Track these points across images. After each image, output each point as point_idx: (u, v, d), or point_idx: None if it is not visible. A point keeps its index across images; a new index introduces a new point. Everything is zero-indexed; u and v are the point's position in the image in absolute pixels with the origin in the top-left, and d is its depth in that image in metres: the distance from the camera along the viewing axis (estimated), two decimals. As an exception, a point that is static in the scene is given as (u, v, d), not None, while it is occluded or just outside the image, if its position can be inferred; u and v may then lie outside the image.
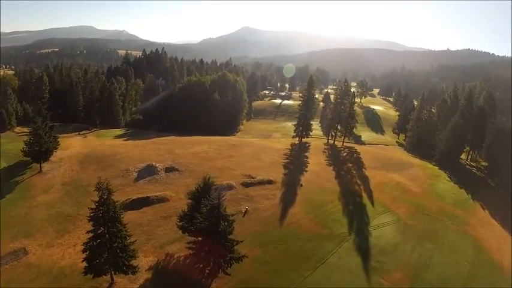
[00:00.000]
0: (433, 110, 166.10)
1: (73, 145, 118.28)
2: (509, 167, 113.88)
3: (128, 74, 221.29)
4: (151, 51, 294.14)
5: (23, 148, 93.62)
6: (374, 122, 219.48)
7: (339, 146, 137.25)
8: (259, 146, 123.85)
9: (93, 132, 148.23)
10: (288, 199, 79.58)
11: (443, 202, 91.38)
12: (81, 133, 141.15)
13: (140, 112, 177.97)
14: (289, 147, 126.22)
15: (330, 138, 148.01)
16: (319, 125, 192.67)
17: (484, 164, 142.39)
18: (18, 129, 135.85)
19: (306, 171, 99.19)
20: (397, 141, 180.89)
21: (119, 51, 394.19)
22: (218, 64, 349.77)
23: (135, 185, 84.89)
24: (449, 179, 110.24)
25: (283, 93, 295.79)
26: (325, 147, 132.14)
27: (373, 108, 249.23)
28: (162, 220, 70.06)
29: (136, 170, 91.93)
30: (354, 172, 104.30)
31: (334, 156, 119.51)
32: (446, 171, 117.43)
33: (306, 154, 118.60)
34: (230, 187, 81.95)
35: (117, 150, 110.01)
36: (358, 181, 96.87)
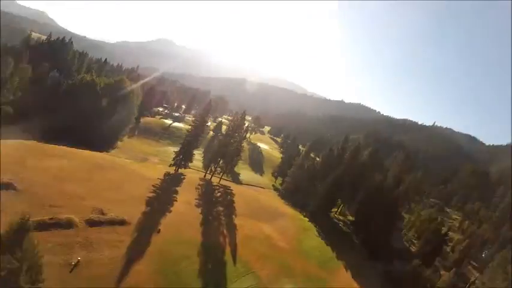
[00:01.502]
0: (317, 159, 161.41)
1: None
2: (372, 225, 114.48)
3: (22, 57, 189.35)
4: (58, 38, 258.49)
5: None
6: (257, 161, 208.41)
7: (215, 183, 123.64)
8: (128, 171, 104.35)
9: None
10: (137, 250, 63.23)
11: (308, 262, 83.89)
12: None
13: (13, 104, 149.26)
14: (162, 177, 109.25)
15: (208, 172, 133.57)
16: (202, 155, 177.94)
17: (351, 218, 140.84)
18: None
19: (170, 211, 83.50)
20: (273, 185, 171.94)
21: (34, 34, 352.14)
22: (124, 69, 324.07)
23: None
24: (317, 234, 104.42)
25: (176, 114, 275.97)
26: (200, 182, 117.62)
27: (259, 147, 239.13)
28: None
29: None
30: (223, 219, 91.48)
31: (206, 195, 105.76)
32: (316, 224, 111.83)
33: (176, 188, 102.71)
34: (70, 224, 63.26)
35: None
36: (225, 231, 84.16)
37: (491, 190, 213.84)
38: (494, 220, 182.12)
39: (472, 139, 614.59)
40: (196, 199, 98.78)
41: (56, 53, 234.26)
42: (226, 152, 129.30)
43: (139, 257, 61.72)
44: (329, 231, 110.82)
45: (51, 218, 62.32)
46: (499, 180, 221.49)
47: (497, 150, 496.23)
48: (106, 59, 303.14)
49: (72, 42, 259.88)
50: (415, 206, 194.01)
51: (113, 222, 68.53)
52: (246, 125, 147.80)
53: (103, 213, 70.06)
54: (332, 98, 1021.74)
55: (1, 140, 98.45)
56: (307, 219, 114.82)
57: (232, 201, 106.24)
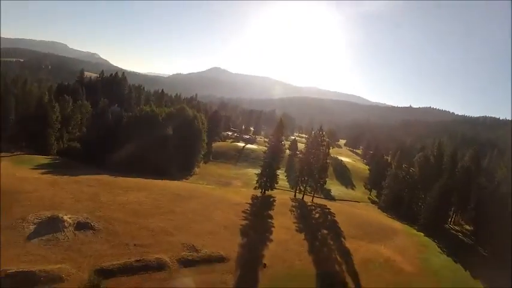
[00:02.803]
0: (412, 169, 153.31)
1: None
2: (500, 232, 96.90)
3: (79, 94, 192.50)
4: (111, 74, 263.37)
5: None
6: (343, 174, 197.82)
7: (309, 202, 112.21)
8: (212, 198, 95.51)
9: (15, 156, 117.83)
10: (245, 293, 53.05)
11: (443, 286, 69.61)
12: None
13: (80, 140, 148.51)
14: (250, 201, 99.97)
15: (297, 191, 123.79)
16: (285, 174, 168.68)
17: (468, 228, 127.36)
18: None
19: (271, 240, 72.86)
20: (369, 198, 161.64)
21: (86, 72, 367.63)
22: (182, 98, 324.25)
23: (25, 246, 55.21)
24: (440, 251, 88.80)
25: (247, 137, 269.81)
26: (293, 203, 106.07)
27: (342, 160, 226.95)
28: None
29: (35, 220, 62.22)
30: (331, 243, 79.11)
31: (304, 218, 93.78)
32: (434, 239, 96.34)
33: (270, 212, 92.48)
34: (161, 266, 54.42)
35: (25, 186, 79.63)
36: (338, 257, 71.76)
37: None
38: None
39: None
40: (294, 223, 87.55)
41: (112, 88, 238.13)
42: (312, 170, 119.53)
43: (251, 302, 51.50)
44: (451, 246, 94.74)
45: (138, 260, 54.09)
46: None
47: None
48: (163, 90, 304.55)
49: (125, 77, 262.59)
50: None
51: (209, 260, 59.10)
52: (327, 140, 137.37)
53: (196, 250, 60.77)
54: (399, 105, 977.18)
55: (73, 177, 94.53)
56: (421, 233, 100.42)
57: (335, 222, 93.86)
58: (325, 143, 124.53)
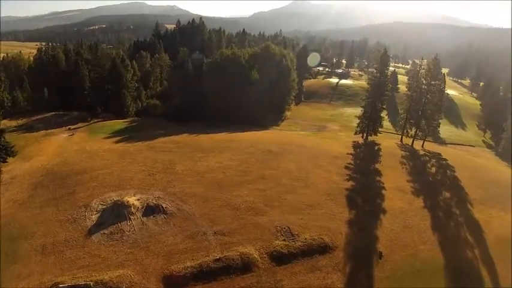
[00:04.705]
0: None
1: (43, 151, 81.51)
2: None
3: (156, 48, 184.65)
4: (188, 22, 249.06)
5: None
6: (451, 111, 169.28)
7: (420, 150, 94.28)
8: (308, 151, 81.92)
9: (90, 125, 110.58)
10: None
11: None
12: (72, 128, 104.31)
13: (160, 96, 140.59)
14: (352, 150, 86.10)
15: (405, 135, 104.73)
16: (386, 112, 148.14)
17: None
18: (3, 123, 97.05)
19: (384, 211, 57.44)
20: (483, 141, 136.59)
21: (167, 25, 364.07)
22: (266, 36, 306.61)
23: (84, 245, 46.17)
24: None
25: (339, 71, 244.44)
26: (402, 152, 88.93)
27: (447, 93, 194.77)
28: None
29: (99, 207, 53.50)
30: (457, 212, 61.69)
31: (418, 174, 76.35)
32: None
33: (377, 167, 76.95)
34: (247, 265, 42.32)
35: (93, 163, 71.27)
36: (468, 236, 54.93)
37: None
38: None
39: None
40: (408, 182, 70.73)
41: (191, 36, 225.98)
42: (425, 111, 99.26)
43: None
44: None
45: (217, 259, 42.57)
46: None
47: None
48: (244, 30, 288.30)
49: (203, 22, 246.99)
50: None
51: (310, 251, 45.23)
52: (443, 72, 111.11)
53: (292, 236, 47.37)
54: (504, 26, 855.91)
55: (147, 142, 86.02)
56: None
57: (456, 179, 75.75)
58: (441, 76, 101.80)
